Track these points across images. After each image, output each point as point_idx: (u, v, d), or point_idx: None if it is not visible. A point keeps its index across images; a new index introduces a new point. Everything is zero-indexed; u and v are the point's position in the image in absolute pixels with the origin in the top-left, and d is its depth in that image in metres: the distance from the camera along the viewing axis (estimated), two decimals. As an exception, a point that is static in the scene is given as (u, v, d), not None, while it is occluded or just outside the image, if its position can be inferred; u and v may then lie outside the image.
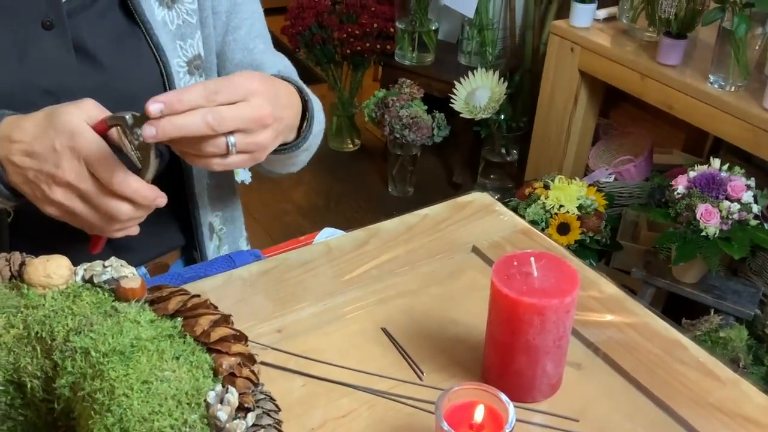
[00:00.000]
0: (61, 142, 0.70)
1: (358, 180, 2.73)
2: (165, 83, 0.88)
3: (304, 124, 0.88)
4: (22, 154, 0.72)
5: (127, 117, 0.70)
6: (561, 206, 1.94)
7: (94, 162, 0.70)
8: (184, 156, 0.76)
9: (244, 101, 0.72)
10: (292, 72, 1.01)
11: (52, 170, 0.71)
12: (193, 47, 0.91)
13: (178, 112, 0.67)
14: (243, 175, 1.13)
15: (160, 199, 0.74)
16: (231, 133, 0.72)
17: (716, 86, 1.78)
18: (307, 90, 0.89)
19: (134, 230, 0.78)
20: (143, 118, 0.68)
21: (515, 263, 0.69)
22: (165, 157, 0.89)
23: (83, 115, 0.71)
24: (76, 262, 0.64)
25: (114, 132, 0.73)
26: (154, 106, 0.66)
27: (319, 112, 0.94)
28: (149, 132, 0.67)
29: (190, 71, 0.90)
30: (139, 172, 0.73)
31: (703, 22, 1.77)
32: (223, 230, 1.03)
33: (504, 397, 0.61)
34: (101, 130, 0.72)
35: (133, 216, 0.74)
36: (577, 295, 0.67)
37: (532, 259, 0.68)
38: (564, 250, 0.93)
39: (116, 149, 0.73)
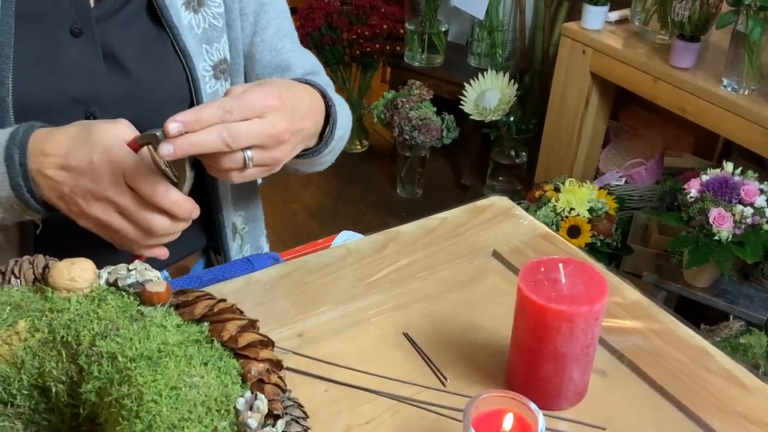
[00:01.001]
0: (99, 157, 0.70)
1: (366, 181, 2.72)
2: (191, 88, 0.88)
3: (327, 129, 0.87)
4: (57, 168, 0.71)
5: (158, 134, 0.70)
6: (571, 209, 1.93)
7: (134, 176, 0.70)
8: (206, 167, 0.76)
9: (260, 118, 0.72)
10: (319, 70, 1.00)
11: (89, 185, 0.71)
12: (219, 51, 0.90)
13: (195, 130, 0.68)
14: None
15: (196, 211, 0.75)
16: (248, 147, 0.72)
17: (729, 89, 1.77)
18: (331, 94, 0.88)
19: (164, 252, 0.78)
20: None
21: (542, 269, 0.68)
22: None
23: (117, 133, 0.71)
24: (99, 266, 0.64)
25: (145, 151, 0.73)
26: (172, 126, 0.67)
27: (344, 113, 0.93)
28: (166, 150, 0.67)
29: (215, 75, 0.90)
30: (175, 185, 0.73)
31: (717, 25, 1.76)
32: (245, 229, 1.03)
33: (533, 405, 0.61)
34: (133, 149, 0.72)
35: (169, 230, 0.74)
36: (606, 302, 0.67)
37: (561, 265, 0.67)
38: (586, 255, 0.92)
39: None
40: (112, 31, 0.83)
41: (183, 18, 0.86)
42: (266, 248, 1.10)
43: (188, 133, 0.68)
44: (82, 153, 0.70)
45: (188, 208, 0.73)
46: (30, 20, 0.79)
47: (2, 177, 0.72)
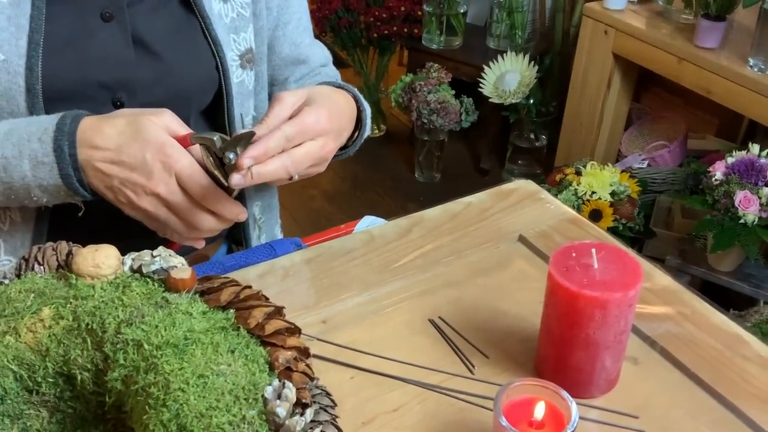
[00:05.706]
0: (152, 154, 0.71)
1: (384, 166, 2.71)
2: (221, 78, 0.88)
3: (356, 133, 0.90)
4: (108, 162, 0.72)
5: (215, 139, 0.71)
6: (593, 192, 1.91)
7: (187, 178, 0.72)
8: None
9: (313, 141, 0.76)
10: (329, 61, 1.04)
11: (142, 181, 0.72)
12: (246, 41, 0.91)
13: (262, 162, 0.72)
14: None
15: (243, 214, 0.76)
16: None
17: (756, 69, 1.74)
18: (361, 97, 0.90)
19: (201, 243, 0.79)
20: (233, 143, 0.71)
21: (574, 254, 0.66)
22: None
23: (164, 126, 0.72)
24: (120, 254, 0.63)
25: (195, 149, 0.73)
26: (246, 161, 0.70)
27: (368, 115, 0.95)
28: (237, 181, 0.71)
29: (242, 65, 0.90)
30: (225, 189, 0.74)
31: (743, 4, 1.72)
32: (262, 219, 1.02)
33: (565, 394, 0.59)
34: (183, 145, 0.72)
35: (214, 228, 0.76)
36: (640, 288, 0.65)
37: (593, 250, 0.65)
38: (616, 240, 0.90)
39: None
40: (142, 16, 0.82)
41: (213, 6, 0.86)
42: (280, 237, 1.09)
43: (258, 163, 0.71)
44: (133, 149, 0.71)
45: (236, 211, 0.75)
46: (60, 3, 0.78)
47: (51, 167, 0.73)
